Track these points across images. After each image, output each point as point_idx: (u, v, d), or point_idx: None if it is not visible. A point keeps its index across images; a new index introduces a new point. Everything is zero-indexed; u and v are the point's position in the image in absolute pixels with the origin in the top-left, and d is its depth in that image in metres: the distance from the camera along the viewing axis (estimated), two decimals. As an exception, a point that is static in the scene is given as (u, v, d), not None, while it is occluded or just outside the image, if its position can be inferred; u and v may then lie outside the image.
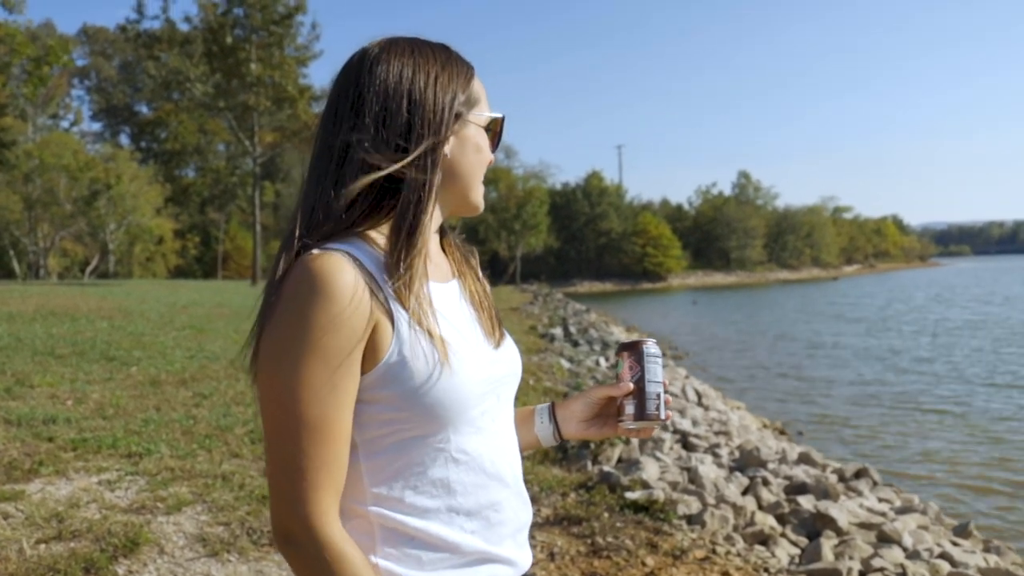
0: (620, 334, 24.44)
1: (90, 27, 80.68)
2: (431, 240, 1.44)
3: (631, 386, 1.53)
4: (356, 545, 1.25)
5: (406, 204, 1.32)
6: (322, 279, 1.21)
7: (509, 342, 1.49)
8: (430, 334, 1.29)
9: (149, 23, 41.59)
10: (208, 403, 8.37)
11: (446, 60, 1.40)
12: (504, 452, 1.41)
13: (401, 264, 1.29)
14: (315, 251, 1.25)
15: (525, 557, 1.44)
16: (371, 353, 1.26)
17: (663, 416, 1.54)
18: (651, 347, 1.55)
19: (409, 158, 1.31)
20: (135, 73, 72.20)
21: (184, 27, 41.00)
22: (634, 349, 1.55)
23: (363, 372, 1.26)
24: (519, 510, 1.43)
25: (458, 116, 1.38)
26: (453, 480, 1.32)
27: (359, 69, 1.36)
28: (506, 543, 1.39)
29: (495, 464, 1.37)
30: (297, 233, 1.32)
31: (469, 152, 1.41)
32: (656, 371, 1.54)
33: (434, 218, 1.41)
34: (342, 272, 1.22)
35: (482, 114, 1.43)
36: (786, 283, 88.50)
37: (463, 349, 1.33)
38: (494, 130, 1.46)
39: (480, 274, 1.56)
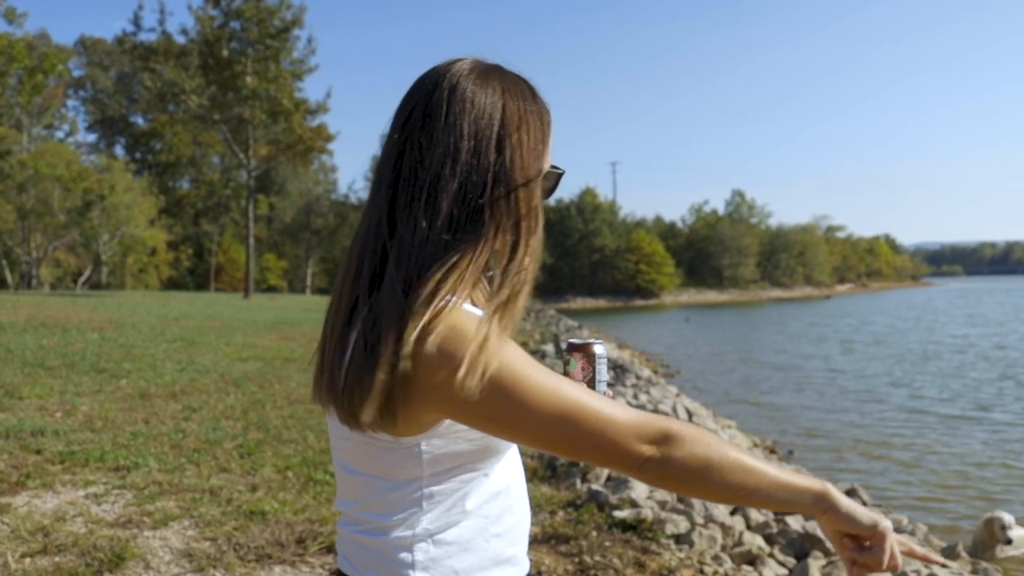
0: (612, 351, 24.46)
1: (87, 38, 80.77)
2: None
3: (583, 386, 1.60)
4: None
5: (512, 256, 1.31)
6: (479, 331, 1.22)
7: None
8: None
9: (146, 35, 41.67)
10: (197, 416, 8.35)
11: (535, 105, 1.36)
12: (516, 467, 1.47)
13: (505, 310, 1.29)
14: (457, 310, 1.23)
15: (527, 556, 1.49)
16: None
17: None
18: (599, 348, 1.61)
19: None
20: (131, 84, 72.26)
21: (180, 39, 41.05)
22: (585, 350, 1.60)
23: None
24: (527, 512, 1.48)
25: (541, 166, 1.36)
26: (487, 491, 1.37)
27: (450, 95, 1.30)
28: (520, 543, 1.44)
29: (511, 472, 1.43)
30: (402, 277, 1.24)
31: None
32: (603, 372, 1.61)
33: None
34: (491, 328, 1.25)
35: (550, 166, 1.40)
36: (779, 301, 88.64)
37: None
38: (551, 180, 1.41)
39: None
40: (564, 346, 1.67)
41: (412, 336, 1.19)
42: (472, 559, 1.36)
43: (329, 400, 1.30)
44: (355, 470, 1.36)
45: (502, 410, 1.23)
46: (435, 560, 1.33)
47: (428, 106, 1.30)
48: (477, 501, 1.36)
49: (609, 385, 1.66)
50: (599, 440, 1.26)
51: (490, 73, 1.34)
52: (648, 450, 1.26)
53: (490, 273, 1.32)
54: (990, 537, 7.35)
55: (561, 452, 1.28)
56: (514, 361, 1.23)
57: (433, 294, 1.21)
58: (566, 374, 1.62)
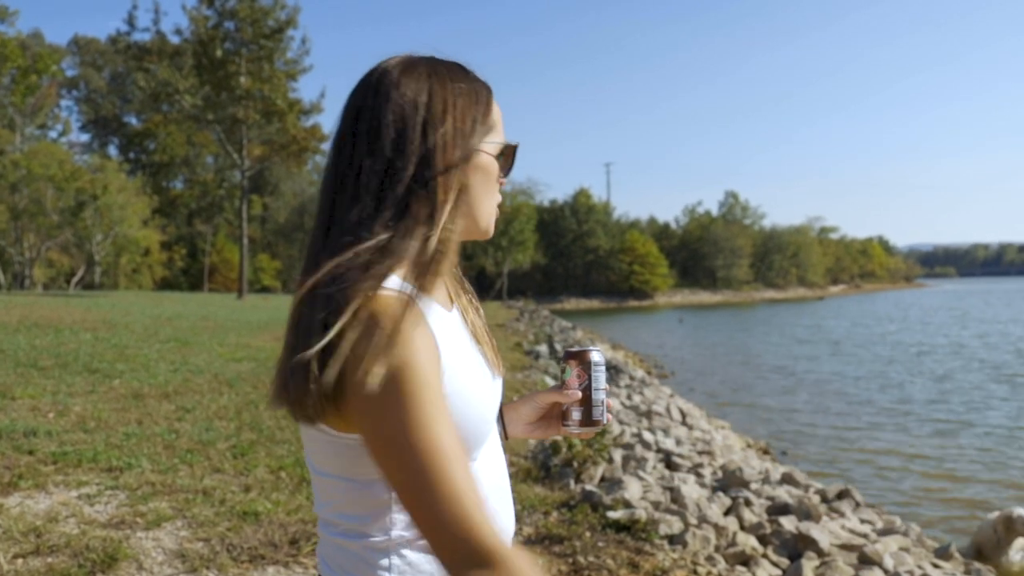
0: (606, 352, 24.46)
1: (81, 38, 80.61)
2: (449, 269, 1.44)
3: (579, 394, 1.60)
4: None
5: (425, 243, 1.28)
6: (397, 315, 1.19)
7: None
8: (460, 366, 1.31)
9: (140, 35, 41.58)
10: (191, 417, 8.33)
11: (466, 85, 1.37)
12: (497, 467, 1.45)
13: (432, 296, 1.29)
14: (377, 291, 1.20)
15: None
16: None
17: (605, 420, 1.62)
18: (596, 356, 1.61)
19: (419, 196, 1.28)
20: (125, 84, 72.07)
21: (175, 39, 40.97)
22: (581, 358, 1.61)
23: None
24: (509, 518, 1.47)
25: (473, 145, 1.35)
26: None
27: (376, 89, 1.34)
28: None
29: (490, 479, 1.41)
30: (330, 267, 1.24)
31: (479, 181, 1.38)
32: (600, 379, 1.61)
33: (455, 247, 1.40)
34: (412, 308, 1.21)
35: (495, 141, 1.40)
36: (772, 302, 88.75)
37: (481, 379, 1.38)
38: (507, 156, 1.43)
39: (477, 302, 1.56)
40: (561, 355, 1.68)
41: (333, 326, 1.18)
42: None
43: (281, 399, 1.27)
44: (323, 471, 1.34)
45: (377, 412, 1.19)
46: (412, 565, 1.32)
47: (359, 105, 1.34)
48: None
49: (608, 395, 1.65)
50: (438, 518, 1.18)
51: (417, 63, 1.36)
52: (468, 567, 1.17)
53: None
54: (1008, 533, 7.33)
55: (400, 497, 1.21)
56: (417, 369, 1.19)
57: (354, 284, 1.21)
58: (563, 383, 1.62)
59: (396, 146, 1.29)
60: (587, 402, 1.60)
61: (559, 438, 7.36)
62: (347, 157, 1.32)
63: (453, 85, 1.35)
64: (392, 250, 1.26)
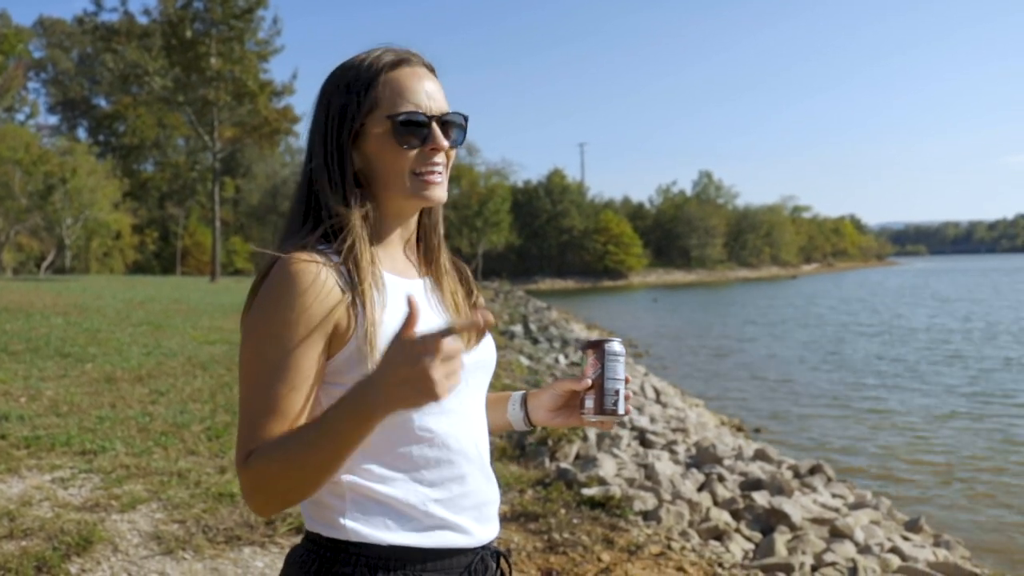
0: (581, 332, 24.55)
1: (47, 19, 79.28)
2: (399, 239, 1.57)
3: (589, 382, 1.64)
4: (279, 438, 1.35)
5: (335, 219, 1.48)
6: (290, 275, 1.36)
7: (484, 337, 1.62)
8: (389, 326, 1.40)
9: (107, 15, 41.00)
10: (164, 400, 8.30)
11: (350, 70, 1.49)
12: (470, 431, 1.53)
13: (351, 265, 1.41)
14: (291, 253, 1.39)
15: (486, 531, 1.54)
16: (337, 340, 1.39)
17: (621, 411, 1.64)
18: (614, 346, 1.64)
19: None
20: (93, 66, 71.07)
21: (143, 20, 40.47)
22: (597, 347, 1.65)
23: (331, 356, 1.40)
24: (482, 485, 1.54)
25: (351, 128, 1.48)
26: (416, 455, 1.43)
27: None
28: (466, 514, 1.49)
29: (460, 442, 1.48)
30: (280, 237, 1.49)
31: (374, 156, 1.48)
32: (616, 369, 1.63)
33: (387, 219, 1.53)
34: (306, 271, 1.37)
35: (382, 116, 1.47)
36: (746, 281, 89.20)
37: None
38: (408, 124, 1.46)
39: (464, 276, 1.70)
40: (581, 345, 1.72)
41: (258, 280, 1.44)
42: (405, 519, 1.43)
43: None
44: None
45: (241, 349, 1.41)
46: (366, 510, 1.41)
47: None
48: (406, 463, 1.43)
49: (627, 387, 1.66)
50: (239, 426, 1.38)
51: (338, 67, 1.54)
52: (242, 463, 1.34)
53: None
54: None
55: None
56: (274, 314, 1.37)
57: (280, 250, 1.43)
58: (582, 372, 1.67)
59: (309, 140, 1.53)
60: (599, 391, 1.62)
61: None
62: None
63: (338, 76, 1.51)
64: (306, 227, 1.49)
